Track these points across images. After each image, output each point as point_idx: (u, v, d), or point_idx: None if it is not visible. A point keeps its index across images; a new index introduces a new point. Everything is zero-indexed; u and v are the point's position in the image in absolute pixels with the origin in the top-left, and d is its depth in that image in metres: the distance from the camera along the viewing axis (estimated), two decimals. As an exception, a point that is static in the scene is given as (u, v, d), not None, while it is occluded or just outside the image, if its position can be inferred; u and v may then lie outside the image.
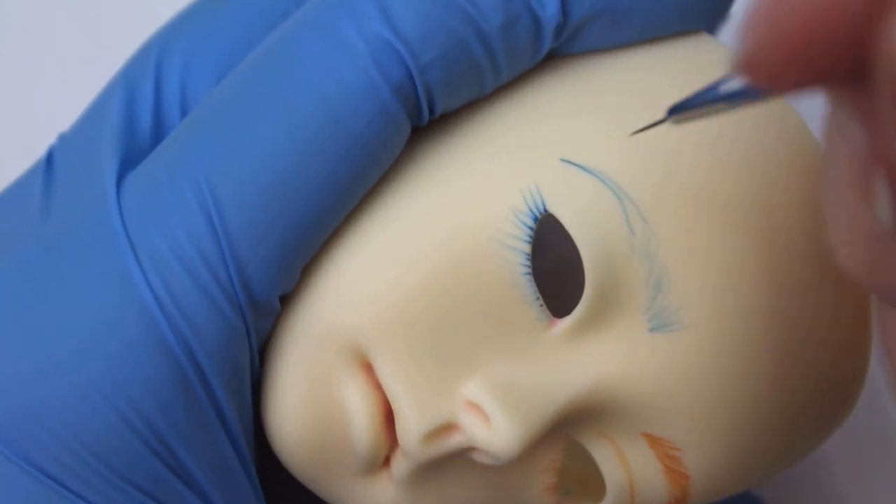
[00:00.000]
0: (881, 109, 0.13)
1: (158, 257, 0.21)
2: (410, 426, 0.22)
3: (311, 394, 0.23)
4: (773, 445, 0.24)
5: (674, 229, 0.22)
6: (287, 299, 0.23)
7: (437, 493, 0.24)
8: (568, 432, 0.23)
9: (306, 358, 0.23)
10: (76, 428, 0.21)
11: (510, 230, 0.22)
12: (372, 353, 0.22)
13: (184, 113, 0.24)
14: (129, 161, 0.23)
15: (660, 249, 0.22)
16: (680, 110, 0.17)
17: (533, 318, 0.22)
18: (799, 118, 0.24)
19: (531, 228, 0.22)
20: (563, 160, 0.22)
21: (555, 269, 0.23)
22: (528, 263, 0.22)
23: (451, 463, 0.23)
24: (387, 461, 0.24)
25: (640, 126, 0.20)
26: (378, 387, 0.23)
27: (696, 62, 0.23)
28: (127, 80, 0.24)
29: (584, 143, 0.22)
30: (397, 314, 0.22)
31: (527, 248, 0.22)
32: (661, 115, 0.17)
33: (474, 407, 0.22)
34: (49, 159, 0.24)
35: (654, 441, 0.23)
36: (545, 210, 0.22)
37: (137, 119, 0.24)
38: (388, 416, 0.23)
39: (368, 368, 0.23)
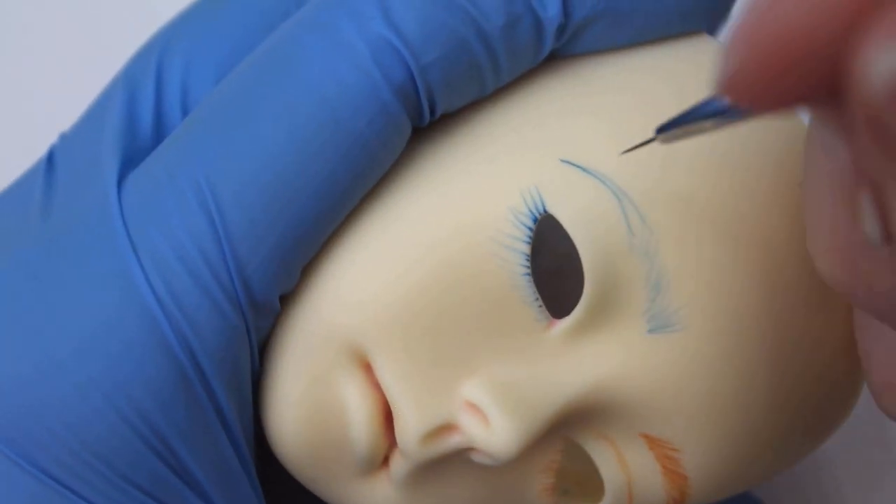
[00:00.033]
0: (856, 131, 0.14)
1: (159, 257, 0.21)
2: (409, 426, 0.22)
3: (310, 393, 0.23)
4: (772, 446, 0.24)
5: (673, 230, 0.22)
6: (287, 299, 0.23)
7: (436, 494, 0.24)
8: (567, 433, 0.23)
9: (306, 357, 0.23)
10: (77, 428, 0.21)
11: (509, 231, 0.22)
12: (371, 353, 0.22)
13: (185, 113, 0.24)
14: (129, 161, 0.23)
15: (659, 250, 0.22)
16: (668, 129, 0.17)
17: (532, 318, 0.22)
18: (801, 121, 0.24)
19: (530, 229, 0.22)
20: (562, 161, 0.22)
21: (554, 268, 0.24)
22: (528, 264, 0.22)
23: (450, 463, 0.23)
24: (386, 461, 0.24)
25: (638, 127, 0.20)
26: (377, 387, 0.23)
27: (697, 63, 0.23)
28: (128, 81, 0.24)
29: (584, 144, 0.22)
30: (396, 314, 0.22)
31: (526, 248, 0.22)
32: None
33: (473, 407, 0.22)
34: (50, 159, 0.24)
35: (652, 442, 0.23)
36: (545, 211, 0.22)
37: (138, 119, 0.24)
38: (388, 416, 0.23)
39: (368, 368, 0.23)
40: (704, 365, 0.22)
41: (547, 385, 0.22)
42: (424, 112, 0.22)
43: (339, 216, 0.22)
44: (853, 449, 0.35)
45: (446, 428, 0.22)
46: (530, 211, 0.22)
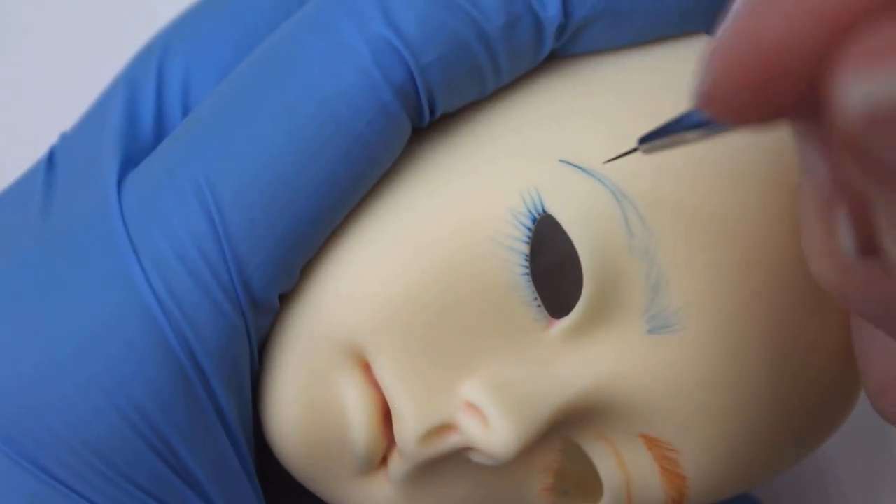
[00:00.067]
0: (834, 150, 0.14)
1: (159, 257, 0.21)
2: (408, 426, 0.22)
3: (309, 392, 0.23)
4: (771, 447, 0.24)
5: (672, 231, 0.22)
6: (286, 298, 0.23)
7: (435, 494, 0.24)
8: (565, 433, 0.23)
9: (305, 356, 0.23)
10: (77, 427, 0.21)
11: (509, 231, 0.22)
12: (370, 353, 0.22)
13: (185, 113, 0.24)
14: (130, 161, 0.23)
15: (658, 251, 0.22)
16: (650, 139, 0.17)
17: (531, 318, 0.22)
18: None
19: (529, 229, 0.22)
20: (562, 161, 0.22)
21: (554, 267, 0.24)
22: (527, 264, 0.22)
23: (449, 463, 0.23)
24: (384, 461, 0.24)
25: (637, 128, 0.20)
26: (376, 386, 0.23)
27: (697, 64, 0.23)
28: (129, 81, 0.24)
29: (584, 144, 0.22)
30: (395, 313, 0.22)
31: (525, 248, 0.22)
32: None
33: (472, 407, 0.22)
34: (50, 159, 0.24)
35: (651, 442, 0.23)
36: (544, 211, 0.22)
37: (139, 119, 0.24)
38: (386, 416, 0.23)
39: (367, 368, 0.23)
40: (703, 365, 0.22)
41: (546, 385, 0.22)
42: (424, 112, 0.22)
43: (338, 216, 0.22)
44: (854, 448, 0.35)
45: (445, 428, 0.22)
46: (529, 211, 0.22)
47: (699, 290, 0.22)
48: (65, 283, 0.22)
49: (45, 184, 0.24)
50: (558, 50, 0.23)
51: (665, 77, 0.23)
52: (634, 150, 0.18)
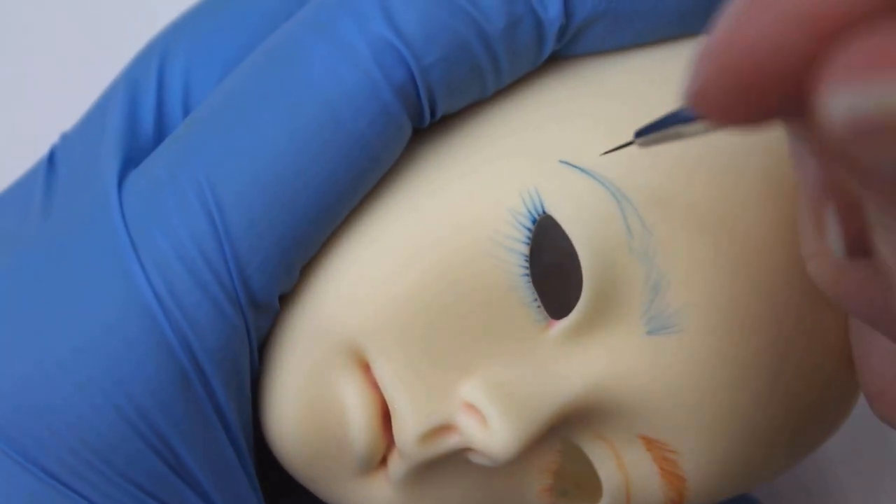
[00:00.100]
0: (822, 151, 0.14)
1: (160, 257, 0.21)
2: (407, 426, 0.22)
3: (308, 392, 0.23)
4: (770, 448, 0.24)
5: (671, 232, 0.22)
6: (287, 298, 0.23)
7: (434, 494, 0.24)
8: (565, 434, 0.23)
9: (305, 357, 0.23)
10: (77, 427, 0.21)
11: (508, 231, 0.22)
12: (370, 353, 0.22)
13: (186, 113, 0.24)
14: (131, 161, 0.23)
15: (658, 252, 0.22)
16: (646, 133, 0.18)
17: (531, 319, 0.22)
18: None
19: (529, 230, 0.22)
20: (562, 162, 0.22)
21: (554, 268, 0.24)
22: (527, 265, 0.22)
23: (448, 464, 0.23)
24: (384, 461, 0.24)
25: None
26: (376, 386, 0.23)
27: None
28: (130, 81, 0.24)
29: (584, 145, 0.22)
30: (395, 314, 0.22)
31: (525, 249, 0.22)
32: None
33: (471, 408, 0.22)
34: (51, 159, 0.24)
35: (650, 443, 0.23)
36: (544, 212, 0.22)
37: (140, 119, 0.24)
38: (386, 416, 0.23)
39: (366, 368, 0.23)
40: (703, 367, 0.22)
41: (545, 386, 0.22)
42: (425, 113, 0.22)
43: (339, 216, 0.22)
44: (854, 448, 0.35)
45: (444, 428, 0.22)
46: (529, 212, 0.22)
47: (699, 291, 0.22)
48: (65, 283, 0.22)
49: (45, 184, 0.24)
50: (559, 51, 0.23)
51: (666, 78, 0.23)
52: (631, 143, 0.18)
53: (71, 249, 0.22)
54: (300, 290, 0.23)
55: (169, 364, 0.21)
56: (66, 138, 0.25)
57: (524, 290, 0.22)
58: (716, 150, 0.22)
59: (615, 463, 0.23)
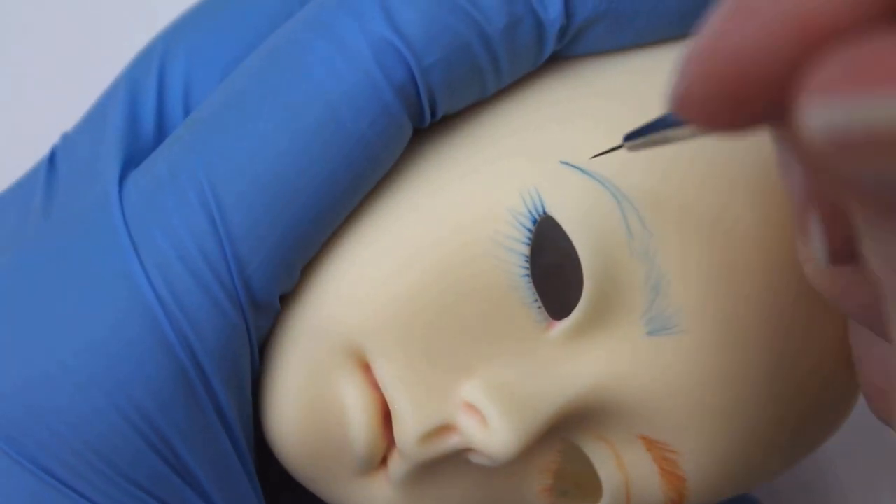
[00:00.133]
0: (806, 165, 0.14)
1: (161, 257, 0.21)
2: (408, 427, 0.22)
3: (309, 392, 0.23)
4: (769, 448, 0.24)
5: (672, 233, 0.22)
6: (287, 298, 0.23)
7: (434, 494, 0.24)
8: (565, 434, 0.23)
9: (305, 357, 0.23)
10: (78, 427, 0.21)
11: (509, 232, 0.22)
12: (370, 353, 0.22)
13: (187, 113, 0.24)
14: (131, 161, 0.23)
15: (658, 252, 0.22)
16: (635, 137, 0.18)
17: (531, 320, 0.22)
18: None
19: (530, 230, 0.22)
20: (562, 163, 0.22)
21: (554, 268, 0.23)
22: (527, 266, 0.22)
23: (448, 464, 0.23)
24: (384, 461, 0.24)
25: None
26: (376, 387, 0.23)
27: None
28: (130, 80, 0.24)
29: (585, 146, 0.22)
30: (395, 314, 0.22)
31: (525, 249, 0.22)
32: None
33: (472, 408, 0.22)
34: (52, 159, 0.24)
35: (650, 443, 0.23)
36: (544, 212, 0.22)
37: (140, 119, 0.24)
38: (386, 416, 0.23)
39: (367, 368, 0.23)
40: (702, 367, 0.22)
41: (546, 386, 0.22)
42: (425, 113, 0.22)
43: (339, 216, 0.22)
44: (854, 448, 0.35)
45: (445, 429, 0.22)
46: (529, 212, 0.22)
47: (699, 291, 0.22)
48: (66, 283, 0.22)
49: (46, 184, 0.24)
50: (560, 51, 0.23)
51: (666, 79, 0.23)
52: (620, 146, 0.18)
53: (71, 249, 0.22)
54: (301, 290, 0.23)
55: (169, 364, 0.21)
56: (66, 138, 0.25)
57: (525, 291, 0.22)
58: (716, 151, 0.22)
59: (615, 463, 0.23)
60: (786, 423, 0.23)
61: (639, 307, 0.22)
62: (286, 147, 0.21)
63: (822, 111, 0.12)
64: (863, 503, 0.35)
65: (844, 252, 0.16)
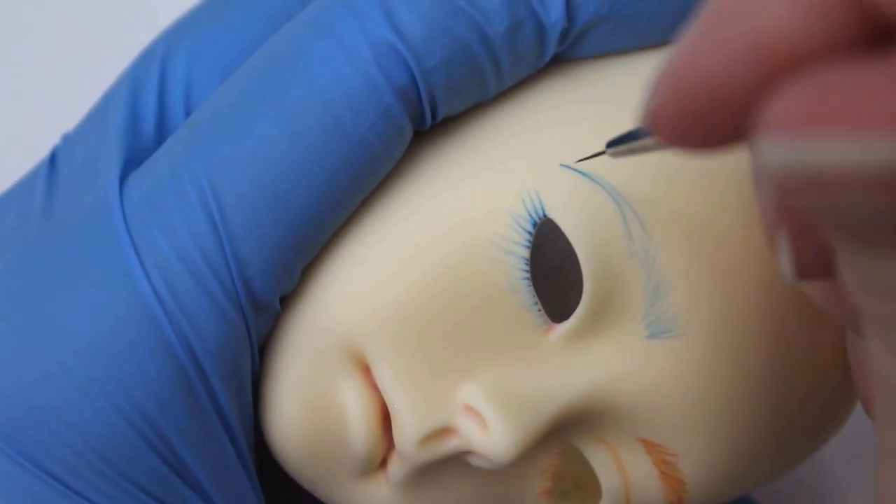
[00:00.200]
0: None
1: (161, 258, 0.21)
2: (407, 429, 0.22)
3: (308, 394, 0.23)
4: (769, 451, 0.24)
5: (671, 236, 0.22)
6: (287, 299, 0.23)
7: (434, 496, 0.24)
8: (565, 437, 0.23)
9: (305, 358, 0.23)
10: (78, 427, 0.21)
11: (509, 234, 0.22)
12: (370, 355, 0.22)
13: (188, 114, 0.24)
14: (132, 161, 0.23)
15: (658, 255, 0.22)
16: (617, 144, 0.18)
17: (531, 322, 0.22)
18: None
19: (530, 233, 0.22)
20: (563, 166, 0.22)
21: (554, 271, 0.23)
22: (527, 268, 0.22)
23: (448, 466, 0.23)
24: (384, 463, 0.24)
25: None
26: (376, 388, 0.23)
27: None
28: (131, 81, 0.24)
29: (585, 149, 0.22)
30: (395, 316, 0.22)
31: (525, 252, 0.22)
32: None
33: (471, 411, 0.22)
34: (52, 160, 0.24)
35: (650, 446, 0.23)
36: (544, 215, 0.22)
37: (141, 119, 0.24)
38: (386, 418, 0.23)
39: (366, 370, 0.23)
40: (702, 370, 0.22)
41: (545, 389, 0.22)
42: (426, 115, 0.22)
43: (340, 218, 0.22)
44: (854, 450, 0.35)
45: (444, 431, 0.22)
46: (529, 215, 0.22)
47: (698, 295, 0.22)
48: (66, 284, 0.22)
49: (46, 184, 0.24)
50: (561, 54, 0.23)
51: None
52: (602, 153, 0.19)
53: (72, 250, 0.22)
54: (301, 292, 0.23)
55: (170, 365, 0.21)
56: (67, 139, 0.25)
57: (525, 294, 0.22)
58: (719, 157, 0.22)
59: (615, 465, 0.23)
60: (785, 425, 0.23)
61: (639, 310, 0.22)
62: (287, 148, 0.21)
63: (775, 147, 0.12)
64: (862, 503, 0.35)
65: (817, 267, 0.16)
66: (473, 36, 0.22)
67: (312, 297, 0.23)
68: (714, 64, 0.13)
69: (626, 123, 0.22)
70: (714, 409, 0.22)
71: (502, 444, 0.22)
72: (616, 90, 0.23)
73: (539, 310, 0.22)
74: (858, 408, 0.25)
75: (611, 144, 0.18)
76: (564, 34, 0.22)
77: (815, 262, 0.16)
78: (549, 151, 0.22)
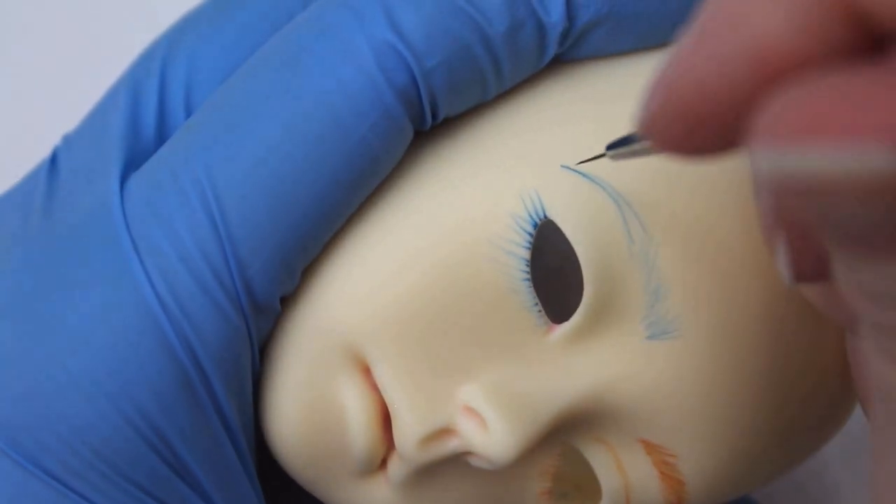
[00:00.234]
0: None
1: (162, 258, 0.21)
2: (407, 430, 0.22)
3: (309, 395, 0.23)
4: (768, 452, 0.24)
5: (672, 238, 0.22)
6: (288, 300, 0.23)
7: (434, 497, 0.24)
8: (565, 437, 0.23)
9: (305, 359, 0.23)
10: (79, 428, 0.21)
11: (510, 236, 0.22)
12: (370, 356, 0.22)
13: (188, 114, 0.24)
14: (132, 162, 0.23)
15: (658, 256, 0.22)
16: (616, 147, 0.18)
17: (532, 323, 0.22)
18: None
19: (530, 234, 0.22)
20: (563, 167, 0.22)
21: (554, 272, 0.24)
22: (527, 269, 0.22)
23: (448, 466, 0.23)
24: (384, 463, 0.24)
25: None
26: (376, 389, 0.23)
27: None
28: (132, 82, 0.24)
29: (586, 150, 0.22)
30: (396, 317, 0.22)
31: (526, 253, 0.22)
32: None
33: (471, 411, 0.22)
34: (53, 160, 0.24)
35: (650, 447, 0.23)
36: (545, 216, 0.22)
37: (141, 120, 0.24)
38: (386, 419, 0.23)
39: (367, 371, 0.23)
40: (702, 372, 0.22)
41: (545, 390, 0.22)
42: (427, 116, 0.22)
43: (340, 218, 0.22)
44: (853, 450, 0.35)
45: (444, 432, 0.22)
46: (530, 216, 0.22)
47: (698, 296, 0.22)
48: (67, 285, 0.22)
49: (47, 185, 0.24)
50: (561, 54, 0.23)
51: None
52: (602, 155, 0.19)
53: (73, 251, 0.22)
54: (301, 292, 0.23)
55: (171, 366, 0.21)
56: (68, 140, 0.25)
57: (525, 294, 0.22)
58: (721, 160, 0.22)
59: (615, 466, 0.23)
60: (785, 426, 0.23)
61: (639, 311, 0.22)
62: (287, 149, 0.21)
63: (768, 156, 0.12)
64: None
65: (815, 271, 0.16)
66: (474, 36, 0.22)
67: (313, 297, 0.23)
68: (707, 72, 0.13)
69: (627, 124, 0.22)
70: (714, 410, 0.22)
71: (502, 444, 0.22)
72: (616, 91, 0.23)
73: (539, 311, 0.22)
74: (858, 408, 0.25)
75: (611, 147, 0.18)
76: (565, 35, 0.22)
77: (814, 266, 0.16)
78: (550, 152, 0.22)
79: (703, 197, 0.22)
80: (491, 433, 0.22)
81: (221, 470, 0.23)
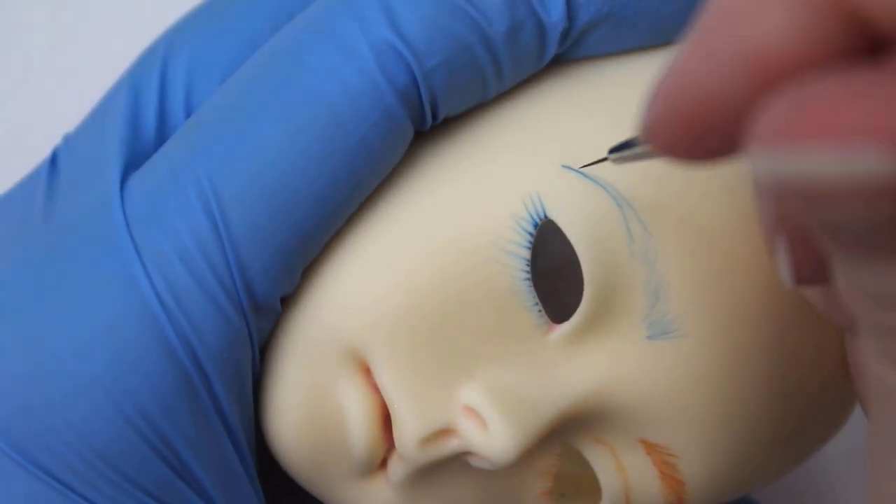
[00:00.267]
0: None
1: (162, 259, 0.21)
2: (407, 430, 0.22)
3: (309, 395, 0.23)
4: (768, 452, 0.24)
5: (673, 238, 0.22)
6: (288, 301, 0.23)
7: (434, 497, 0.24)
8: (565, 438, 0.23)
9: (305, 360, 0.23)
10: (80, 429, 0.21)
11: (510, 236, 0.22)
12: (370, 356, 0.22)
13: (188, 114, 0.24)
14: (133, 162, 0.23)
15: (659, 257, 0.22)
16: (619, 150, 0.18)
17: (532, 323, 0.22)
18: None
19: (531, 235, 0.22)
20: (564, 167, 0.22)
21: (555, 272, 0.24)
22: (528, 270, 0.22)
23: (448, 467, 0.23)
24: (384, 463, 0.24)
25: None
26: (376, 390, 0.23)
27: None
28: (132, 82, 0.24)
29: (586, 150, 0.22)
30: (396, 317, 0.22)
31: (526, 254, 0.22)
32: None
33: (471, 412, 0.22)
34: (53, 160, 0.24)
35: (650, 447, 0.23)
36: (545, 216, 0.22)
37: (142, 121, 0.24)
38: (386, 419, 0.23)
39: (367, 371, 0.23)
40: (702, 372, 0.22)
41: (546, 390, 0.22)
42: (427, 116, 0.22)
43: (340, 219, 0.22)
44: (853, 450, 0.35)
45: (445, 432, 0.22)
46: (531, 216, 0.22)
47: (699, 297, 0.22)
48: (67, 285, 0.22)
49: (47, 185, 0.24)
50: (562, 54, 0.23)
51: None
52: (605, 159, 0.19)
53: (73, 250, 0.22)
54: (302, 293, 0.23)
55: (173, 369, 0.21)
56: (68, 140, 0.25)
57: (525, 295, 0.22)
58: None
59: (615, 466, 0.23)
60: (784, 427, 0.24)
61: (639, 311, 0.22)
62: (287, 149, 0.21)
63: (766, 160, 0.12)
64: (861, 504, 0.35)
65: (815, 273, 0.16)
66: (474, 36, 0.22)
67: (313, 297, 0.23)
68: (707, 75, 0.13)
69: (627, 124, 0.22)
70: (714, 410, 0.22)
71: (503, 444, 0.22)
72: (617, 91, 0.23)
73: (540, 311, 0.22)
74: (858, 408, 0.25)
75: (613, 151, 0.18)
76: (565, 35, 0.22)
77: (814, 268, 0.16)
78: (551, 152, 0.22)
79: (704, 198, 0.22)
80: (491, 433, 0.22)
81: (224, 473, 0.23)
